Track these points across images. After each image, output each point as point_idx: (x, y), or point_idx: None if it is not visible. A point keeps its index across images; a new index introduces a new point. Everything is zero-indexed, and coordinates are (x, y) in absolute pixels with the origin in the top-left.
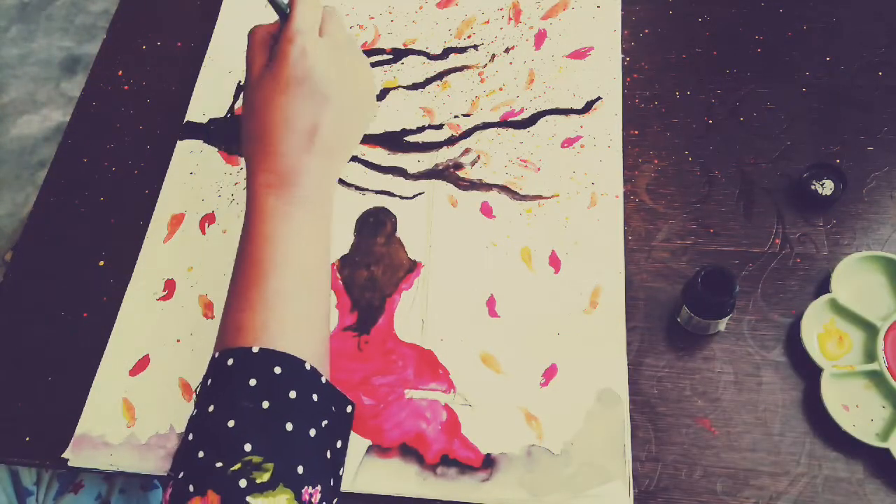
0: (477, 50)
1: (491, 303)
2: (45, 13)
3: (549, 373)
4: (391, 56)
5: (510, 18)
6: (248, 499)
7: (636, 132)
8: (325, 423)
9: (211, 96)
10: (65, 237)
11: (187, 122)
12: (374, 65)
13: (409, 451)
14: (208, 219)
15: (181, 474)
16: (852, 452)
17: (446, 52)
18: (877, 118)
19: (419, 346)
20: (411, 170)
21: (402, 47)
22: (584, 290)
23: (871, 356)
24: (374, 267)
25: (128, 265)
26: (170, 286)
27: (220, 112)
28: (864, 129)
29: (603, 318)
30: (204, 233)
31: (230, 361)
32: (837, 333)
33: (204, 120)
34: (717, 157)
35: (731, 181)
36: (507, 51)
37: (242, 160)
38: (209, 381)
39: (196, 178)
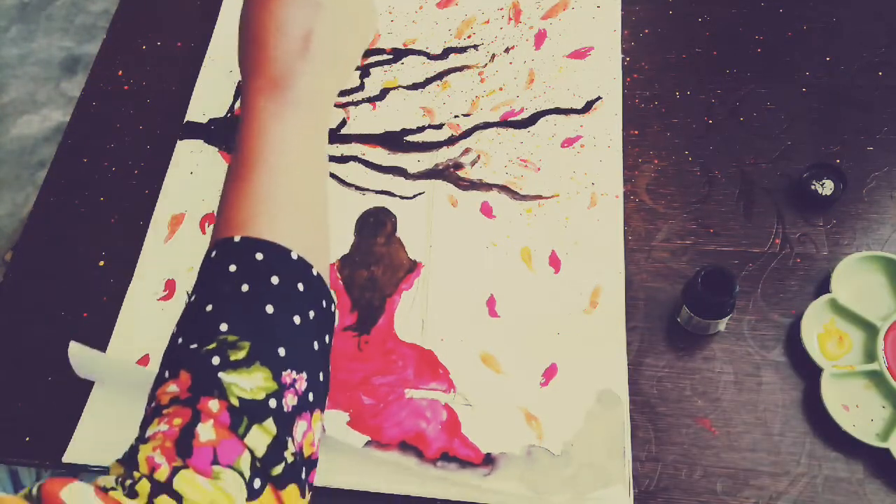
0: (477, 50)
1: (491, 303)
2: (45, 13)
3: (549, 373)
4: (391, 56)
5: (510, 18)
6: (220, 375)
7: (636, 132)
8: (312, 314)
9: (211, 96)
10: (65, 237)
11: (187, 122)
12: (374, 65)
13: (408, 450)
14: (208, 219)
15: (160, 366)
16: (852, 452)
17: (446, 52)
18: (877, 118)
19: (419, 346)
20: (411, 170)
21: (402, 47)
22: (584, 290)
23: (871, 356)
24: (374, 267)
25: (128, 265)
26: (170, 286)
27: (221, 112)
28: (864, 129)
29: (603, 318)
30: (204, 233)
31: (213, 253)
32: (837, 333)
33: (204, 120)
34: (717, 157)
35: (731, 181)
36: (507, 51)
37: None
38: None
39: (196, 178)
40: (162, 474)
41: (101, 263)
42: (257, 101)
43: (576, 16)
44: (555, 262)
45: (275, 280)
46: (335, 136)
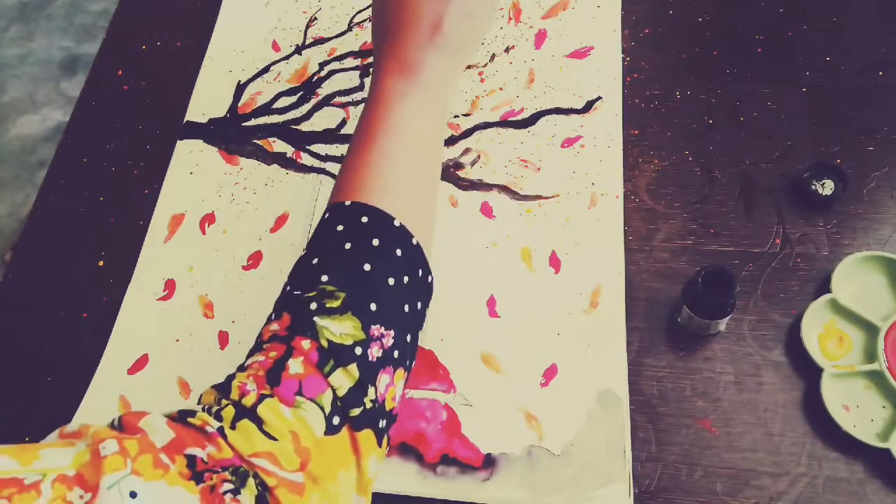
0: (477, 50)
1: (491, 303)
2: (44, 13)
3: (549, 373)
4: None
5: (510, 18)
6: (315, 318)
7: (636, 132)
8: (406, 278)
9: (211, 96)
10: (65, 237)
11: (187, 122)
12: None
13: (408, 450)
14: (208, 219)
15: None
16: (852, 452)
17: None
18: (877, 118)
19: (419, 346)
20: None
21: None
22: (584, 290)
23: (871, 356)
24: None
25: (128, 265)
26: (170, 286)
27: (220, 112)
28: (864, 129)
29: (603, 318)
30: (204, 233)
31: (326, 215)
32: (838, 333)
33: (204, 120)
34: (717, 157)
35: (731, 181)
36: (507, 50)
37: (242, 160)
38: None
39: (196, 178)
40: (249, 400)
41: (101, 263)
42: (387, 80)
43: (576, 15)
44: (555, 262)
45: (375, 242)
46: (335, 136)
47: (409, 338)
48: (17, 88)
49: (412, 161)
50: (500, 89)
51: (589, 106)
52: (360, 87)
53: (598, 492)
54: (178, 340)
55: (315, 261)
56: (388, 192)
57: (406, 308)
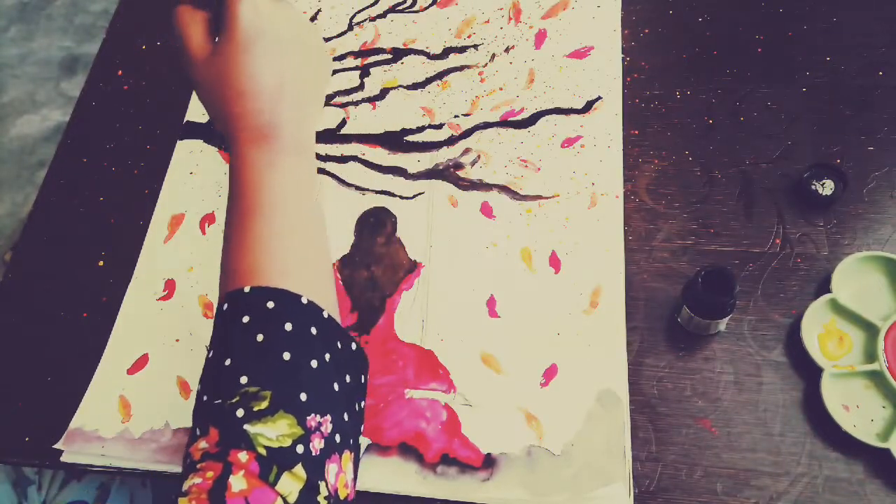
0: (477, 50)
1: (491, 303)
2: (44, 13)
3: (549, 373)
4: (391, 56)
5: (510, 18)
6: (245, 427)
7: (636, 132)
8: (327, 356)
9: None
10: (65, 237)
11: (187, 122)
12: (374, 65)
13: (408, 450)
14: (208, 219)
15: (192, 424)
16: (852, 452)
17: (446, 52)
18: (877, 118)
19: (419, 346)
20: (411, 170)
21: (403, 47)
22: (584, 290)
23: (871, 356)
24: (374, 267)
25: (128, 265)
26: (170, 286)
27: None
28: (864, 129)
29: (603, 318)
30: (204, 233)
31: (225, 306)
32: (838, 333)
33: (204, 120)
34: (717, 157)
35: (731, 181)
36: (507, 50)
37: None
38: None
39: (196, 178)
40: None
41: (101, 263)
42: (248, 153)
43: (576, 15)
44: (555, 262)
45: (288, 327)
46: (335, 136)
47: (346, 416)
48: (17, 88)
49: (299, 231)
50: (500, 89)
51: (589, 106)
52: (361, 87)
53: (598, 492)
54: (178, 340)
55: (228, 361)
56: (286, 270)
57: (336, 387)
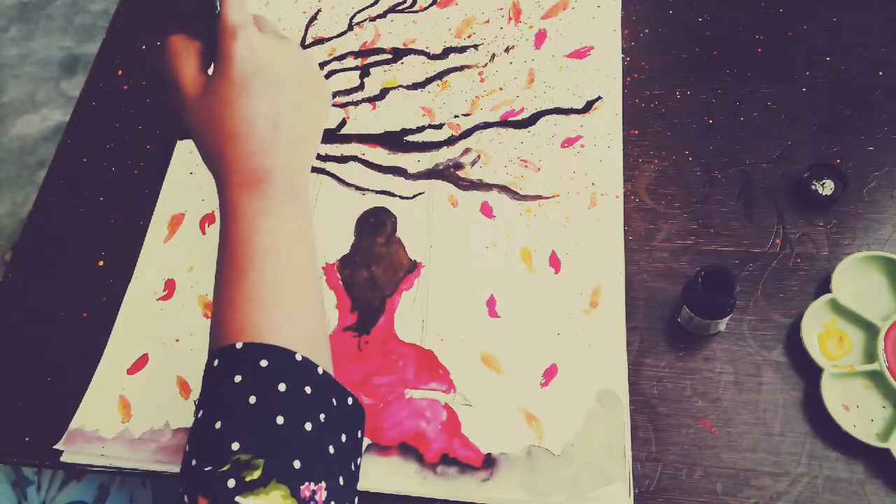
0: (477, 50)
1: (491, 303)
2: (44, 13)
3: (549, 373)
4: (391, 56)
5: (510, 18)
6: (237, 499)
7: (636, 132)
8: (322, 416)
9: None
10: (65, 237)
11: None
12: (374, 65)
13: (408, 450)
14: (208, 219)
15: (181, 488)
16: (852, 452)
17: (446, 52)
18: (877, 118)
19: (419, 346)
20: (411, 170)
21: (402, 47)
22: (584, 290)
23: (871, 356)
24: (374, 267)
25: (128, 265)
26: (170, 286)
27: None
28: (864, 129)
29: (603, 318)
30: (204, 233)
31: (216, 362)
32: (838, 333)
33: None
34: (717, 157)
35: (731, 181)
36: (507, 50)
37: None
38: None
39: (196, 178)
40: None
41: (101, 263)
42: (240, 199)
43: (576, 15)
44: (555, 262)
45: (282, 387)
46: (335, 136)
47: (341, 479)
48: (17, 88)
49: (293, 282)
50: (500, 89)
51: (589, 106)
52: (361, 87)
53: (598, 492)
54: (177, 340)
55: (219, 425)
56: (279, 325)
57: (331, 449)
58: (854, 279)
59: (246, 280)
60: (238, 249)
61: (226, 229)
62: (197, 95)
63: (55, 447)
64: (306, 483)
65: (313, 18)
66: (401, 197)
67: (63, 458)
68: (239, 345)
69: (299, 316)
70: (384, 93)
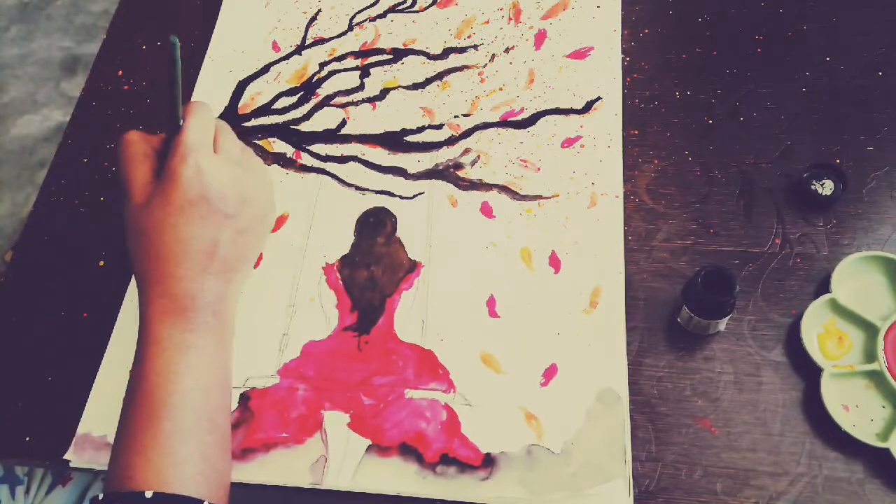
0: (477, 50)
1: (491, 303)
2: (45, 13)
3: (549, 372)
4: (391, 56)
5: (510, 18)
6: None
7: (636, 132)
8: None
9: (211, 96)
10: (65, 237)
11: None
12: (374, 65)
13: (408, 451)
14: None
15: None
16: (852, 452)
17: (446, 52)
18: (877, 118)
19: (419, 346)
20: (411, 170)
21: (402, 47)
22: (584, 290)
23: (871, 356)
24: (374, 267)
25: (128, 265)
26: None
27: (220, 112)
28: (864, 129)
29: (603, 318)
30: None
31: None
32: (837, 333)
33: None
34: (717, 157)
35: (731, 181)
36: (507, 51)
37: None
38: None
39: None
40: None
41: (101, 263)
42: (161, 329)
43: (576, 16)
44: (555, 262)
45: None
46: (335, 136)
47: None
48: (18, 88)
49: (207, 429)
50: (500, 89)
51: (589, 106)
52: (361, 87)
53: (598, 491)
54: None
55: None
56: (189, 476)
57: None
58: (854, 279)
59: (160, 428)
60: (154, 392)
61: (143, 363)
62: (141, 203)
63: (64, 458)
64: None
65: (313, 19)
66: (401, 197)
67: (73, 465)
68: (149, 494)
69: (209, 463)
70: (384, 93)
